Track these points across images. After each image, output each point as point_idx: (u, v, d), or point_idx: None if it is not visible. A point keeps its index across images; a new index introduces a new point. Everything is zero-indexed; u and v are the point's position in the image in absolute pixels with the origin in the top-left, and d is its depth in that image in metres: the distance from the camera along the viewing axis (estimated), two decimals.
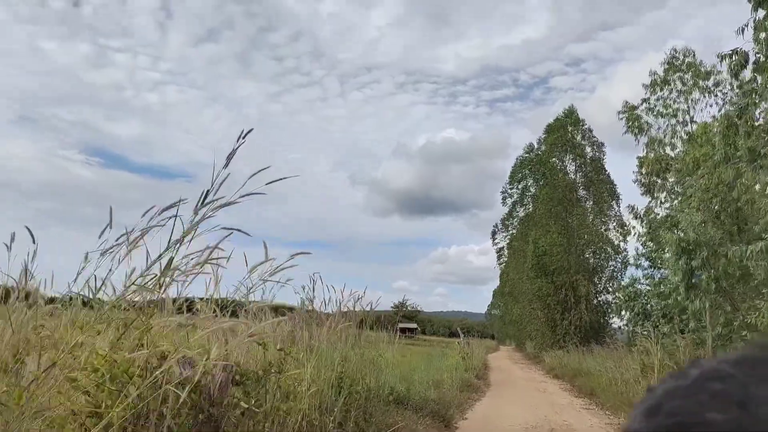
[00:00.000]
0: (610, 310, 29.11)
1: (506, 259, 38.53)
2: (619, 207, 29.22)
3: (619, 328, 30.29)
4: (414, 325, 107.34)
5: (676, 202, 13.50)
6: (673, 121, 13.85)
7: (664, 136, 14.05)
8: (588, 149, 29.52)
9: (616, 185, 29.42)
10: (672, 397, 0.37)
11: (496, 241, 35.08)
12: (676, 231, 9.71)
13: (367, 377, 6.55)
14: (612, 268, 29.18)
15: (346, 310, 6.95)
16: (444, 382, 11.44)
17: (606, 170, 29.46)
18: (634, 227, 17.42)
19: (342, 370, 5.20)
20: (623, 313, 17.35)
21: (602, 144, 29.64)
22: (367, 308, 8.03)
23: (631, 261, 17.80)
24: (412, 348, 36.14)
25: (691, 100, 14.02)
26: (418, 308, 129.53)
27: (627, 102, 14.71)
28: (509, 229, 34.06)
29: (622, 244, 28.77)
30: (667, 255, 12.53)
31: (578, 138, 30.01)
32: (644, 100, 14.42)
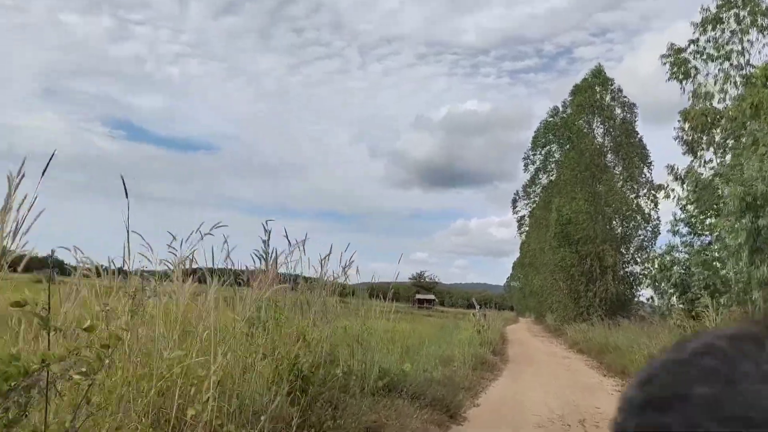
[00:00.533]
0: (638, 282, 27.41)
1: (527, 229, 36.76)
2: (650, 173, 27.20)
3: (649, 299, 28.64)
4: (431, 297, 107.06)
5: (727, 157, 11.69)
6: (726, 64, 11.89)
7: (715, 82, 12.11)
8: (618, 110, 27.30)
9: (648, 150, 27.31)
10: (666, 369, 0.38)
11: (517, 209, 33.31)
12: (733, 185, 8.00)
13: (350, 357, 5.18)
14: (641, 237, 27.33)
15: (316, 275, 5.56)
16: (454, 359, 10.08)
17: (637, 133, 27.30)
18: (673, 190, 15.69)
19: (297, 349, 3.80)
20: (658, 284, 15.69)
21: (633, 105, 27.40)
22: (355, 277, 6.64)
23: (669, 227, 15.99)
24: (429, 320, 35.02)
25: (748, 40, 12.01)
26: (436, 280, 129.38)
27: (672, 44, 12.74)
28: (531, 197, 32.18)
29: (653, 212, 26.90)
30: (718, 219, 10.84)
31: (607, 99, 27.78)
32: (692, 42, 12.42)
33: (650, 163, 27.23)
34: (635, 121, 27.37)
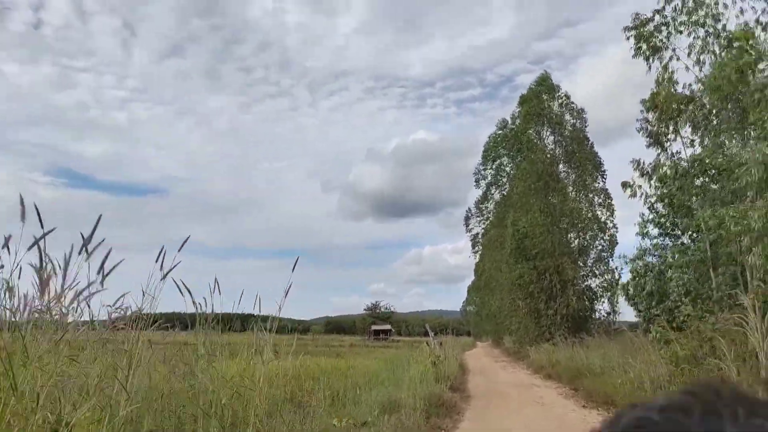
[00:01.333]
0: (597, 296, 25.94)
1: (481, 249, 35.07)
2: (604, 181, 26.09)
3: (609, 314, 27.16)
4: (388, 327, 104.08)
5: (707, 139, 10.05)
6: (701, 32, 10.36)
7: (689, 53, 10.54)
8: (567, 117, 26.21)
9: (600, 157, 26.24)
10: None
11: (470, 227, 31.50)
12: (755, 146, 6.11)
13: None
14: (599, 248, 25.98)
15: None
16: (402, 404, 7.64)
17: (589, 140, 26.23)
18: (639, 187, 14.09)
19: None
20: (632, 294, 13.88)
21: (582, 110, 26.38)
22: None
23: (637, 229, 14.34)
24: (384, 352, 32.37)
25: (723, 3, 10.53)
26: (392, 309, 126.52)
27: (637, 14, 11.15)
28: (484, 213, 30.49)
29: (609, 221, 25.67)
30: (709, 208, 9.06)
31: (555, 106, 26.71)
32: (657, 12, 10.88)
33: (603, 171, 26.16)
34: (585, 128, 26.33)
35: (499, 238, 29.09)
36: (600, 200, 25.54)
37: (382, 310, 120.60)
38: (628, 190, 14.72)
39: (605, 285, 25.79)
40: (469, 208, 31.29)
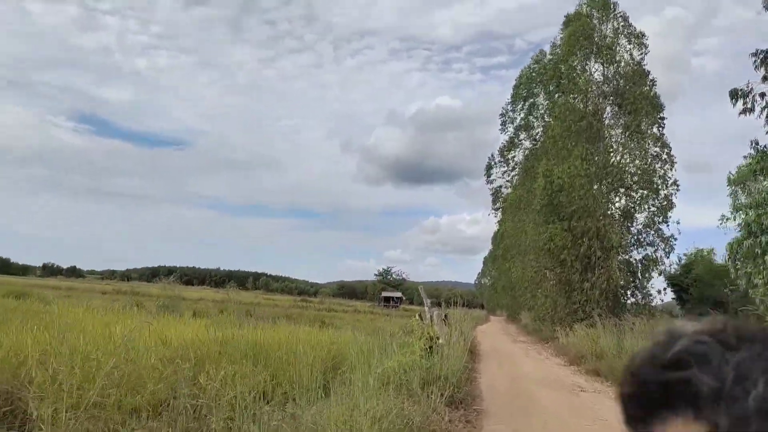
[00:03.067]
0: (646, 269, 21.04)
1: (502, 209, 30.03)
2: (662, 129, 20.78)
3: (663, 291, 22.34)
4: (399, 294, 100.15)
5: None
6: None
7: None
8: (623, 41, 20.77)
9: (660, 98, 20.86)
10: (681, 338, 0.43)
11: (492, 178, 26.34)
12: None
13: None
14: (651, 210, 20.88)
15: None
16: None
17: (648, 75, 20.82)
18: (762, 95, 9.24)
19: None
20: (737, 256, 9.07)
21: (642, 35, 20.88)
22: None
23: (748, 165, 9.40)
24: (386, 320, 28.09)
25: None
26: (404, 276, 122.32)
27: None
28: (510, 163, 25.31)
29: (669, 173, 20.42)
30: None
31: (608, 30, 21.27)
32: None
33: (663, 118, 20.80)
34: (645, 59, 20.88)
35: (527, 195, 24.12)
36: (656, 150, 20.33)
37: (394, 276, 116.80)
38: (740, 103, 9.75)
39: (651, 258, 20.90)
40: (492, 155, 26.18)
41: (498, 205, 27.36)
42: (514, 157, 25.05)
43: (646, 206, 20.95)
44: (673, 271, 27.87)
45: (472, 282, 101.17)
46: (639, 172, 20.36)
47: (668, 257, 21.19)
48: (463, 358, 8.50)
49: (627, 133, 20.30)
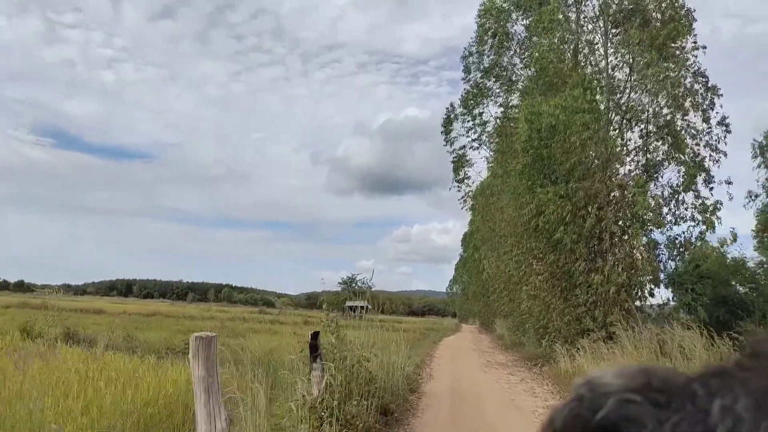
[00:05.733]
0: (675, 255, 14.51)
1: (472, 205, 23.23)
2: (695, 57, 14.29)
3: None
4: (362, 303, 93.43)
5: None
6: None
7: None
8: None
9: (693, 13, 14.44)
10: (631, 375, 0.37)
11: (451, 137, 19.18)
12: None
13: None
14: (680, 173, 14.33)
15: None
16: None
17: None
18: None
19: None
20: None
21: None
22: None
23: None
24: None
25: None
26: (370, 284, 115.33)
27: None
28: (476, 117, 18.46)
29: (699, 123, 13.98)
30: None
31: None
32: None
33: (698, 45, 14.34)
34: None
35: (502, 158, 17.36)
36: (690, 81, 13.85)
37: (359, 284, 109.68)
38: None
39: (684, 240, 14.43)
40: (452, 104, 19.14)
41: (461, 175, 20.14)
42: (481, 110, 18.25)
43: (667, 166, 14.43)
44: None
45: (444, 291, 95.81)
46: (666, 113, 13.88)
47: (703, 238, 14.77)
48: None
49: (646, 54, 13.73)
